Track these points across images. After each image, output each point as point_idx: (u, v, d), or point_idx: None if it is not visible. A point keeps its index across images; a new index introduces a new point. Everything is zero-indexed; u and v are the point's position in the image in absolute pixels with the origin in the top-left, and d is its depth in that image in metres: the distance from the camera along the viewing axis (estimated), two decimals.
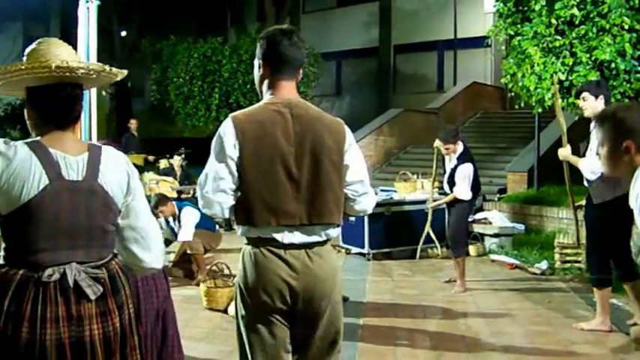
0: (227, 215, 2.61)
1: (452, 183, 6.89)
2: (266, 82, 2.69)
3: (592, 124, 5.08)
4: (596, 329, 5.37)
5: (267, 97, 2.68)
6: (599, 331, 5.34)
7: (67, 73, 2.21)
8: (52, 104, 2.27)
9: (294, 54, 2.65)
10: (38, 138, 2.25)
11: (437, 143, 7.01)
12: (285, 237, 2.54)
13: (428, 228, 6.97)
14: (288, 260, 2.53)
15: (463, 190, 6.79)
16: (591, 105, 5.24)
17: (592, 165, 4.99)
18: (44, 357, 2.08)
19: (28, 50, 2.32)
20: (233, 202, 2.57)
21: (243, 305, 2.61)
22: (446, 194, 7.09)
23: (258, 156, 2.52)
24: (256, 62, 2.73)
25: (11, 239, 2.17)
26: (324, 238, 2.62)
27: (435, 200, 7.60)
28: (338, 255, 2.64)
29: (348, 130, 2.74)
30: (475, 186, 6.90)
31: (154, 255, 2.45)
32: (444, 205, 7.30)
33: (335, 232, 2.67)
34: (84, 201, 2.21)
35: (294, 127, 2.57)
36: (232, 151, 2.53)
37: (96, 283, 2.19)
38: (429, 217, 8.22)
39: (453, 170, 6.85)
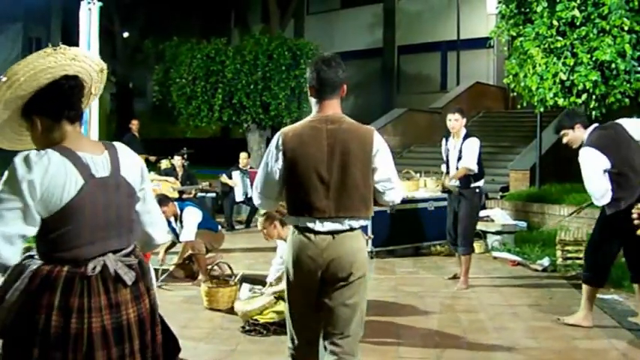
0: (272, 209, 3.37)
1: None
2: (313, 100, 3.26)
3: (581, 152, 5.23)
4: (577, 324, 5.48)
5: (312, 113, 3.26)
6: (581, 326, 5.44)
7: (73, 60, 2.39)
8: (62, 96, 2.36)
9: (333, 77, 3.19)
10: (62, 144, 2.34)
11: (448, 119, 7.06)
12: (317, 226, 3.12)
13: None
14: (317, 242, 3.13)
15: (470, 161, 6.83)
16: (573, 137, 5.39)
17: (597, 191, 5.17)
18: (91, 344, 2.25)
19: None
20: (276, 200, 3.29)
21: (287, 278, 3.26)
22: (449, 191, 7.12)
23: (296, 164, 3.12)
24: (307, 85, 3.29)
25: (50, 238, 2.28)
26: (348, 227, 3.16)
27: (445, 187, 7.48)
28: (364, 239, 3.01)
29: (376, 137, 3.23)
30: (480, 168, 6.97)
31: (162, 233, 2.75)
32: (447, 202, 7.36)
33: (358, 223, 3.20)
34: (113, 195, 2.38)
35: (327, 139, 3.13)
36: (277, 159, 3.15)
37: (130, 270, 2.39)
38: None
39: (461, 150, 6.93)
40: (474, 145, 6.90)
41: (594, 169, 5.12)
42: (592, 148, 5.14)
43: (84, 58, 2.44)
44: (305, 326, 3.27)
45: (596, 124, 5.38)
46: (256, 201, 3.33)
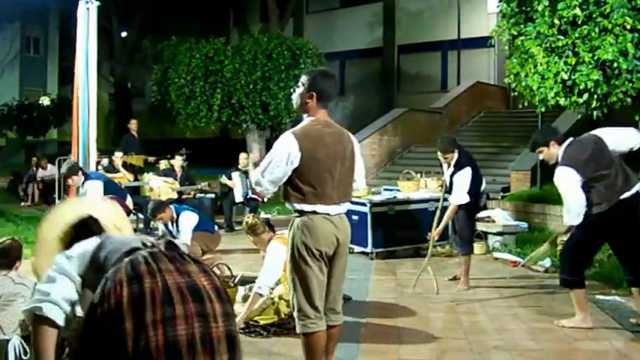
0: (268, 196, 3.84)
1: (452, 189, 6.95)
2: (311, 107, 3.94)
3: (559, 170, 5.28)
4: (577, 327, 5.43)
5: (311, 118, 3.95)
6: (581, 328, 5.40)
7: None
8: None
9: (333, 92, 4.00)
10: None
11: (439, 155, 7.03)
12: (330, 210, 3.90)
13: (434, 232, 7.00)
14: (334, 221, 3.93)
15: (458, 197, 6.82)
16: (549, 154, 5.44)
17: (574, 206, 5.22)
18: (169, 297, 2.21)
19: None
20: (274, 190, 3.95)
21: (307, 253, 3.87)
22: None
23: (312, 162, 3.81)
24: (301, 89, 3.95)
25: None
26: (345, 210, 4.05)
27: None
28: None
29: (354, 138, 4.17)
30: (475, 186, 6.92)
31: None
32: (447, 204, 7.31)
33: (347, 206, 4.08)
34: None
35: (330, 140, 3.91)
36: (292, 158, 3.78)
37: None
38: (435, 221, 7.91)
39: (452, 178, 6.93)
40: (464, 177, 6.83)
41: (571, 186, 5.17)
42: (566, 166, 5.19)
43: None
44: (322, 294, 3.94)
45: (570, 139, 5.40)
46: (262, 189, 3.91)
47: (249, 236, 5.99)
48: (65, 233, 3.11)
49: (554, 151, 5.38)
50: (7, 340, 3.90)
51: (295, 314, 3.96)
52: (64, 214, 3.17)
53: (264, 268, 5.53)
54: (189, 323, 2.18)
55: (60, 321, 2.48)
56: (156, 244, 2.45)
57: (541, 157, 5.56)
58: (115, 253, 2.45)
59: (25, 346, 3.90)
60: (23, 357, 3.87)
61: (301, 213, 3.90)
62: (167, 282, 2.21)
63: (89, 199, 3.37)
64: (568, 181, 5.18)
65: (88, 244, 2.63)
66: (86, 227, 3.03)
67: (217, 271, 6.81)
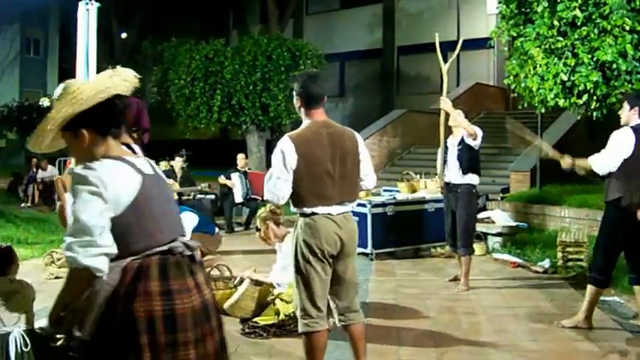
0: (282, 203, 3.99)
1: (462, 158, 6.94)
2: (302, 110, 4.03)
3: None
4: (577, 327, 5.45)
5: (307, 120, 4.02)
6: (582, 329, 5.42)
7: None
8: (114, 115, 2.49)
9: (318, 92, 4.00)
10: (106, 155, 2.44)
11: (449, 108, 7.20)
12: (331, 210, 3.91)
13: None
14: (338, 221, 3.93)
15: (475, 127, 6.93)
16: (625, 114, 5.38)
17: (601, 164, 5.26)
18: (197, 320, 2.45)
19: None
20: (288, 194, 3.90)
21: (309, 253, 3.90)
22: (449, 185, 7.09)
23: (308, 164, 3.86)
24: (294, 95, 4.04)
25: (127, 232, 2.37)
26: (350, 208, 4.06)
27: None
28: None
29: (359, 136, 4.19)
30: (476, 164, 7.01)
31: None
32: (444, 204, 7.32)
33: (353, 205, 4.09)
34: (162, 189, 2.59)
35: (328, 140, 3.93)
36: (290, 161, 3.83)
37: (196, 249, 2.58)
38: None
39: (460, 143, 6.97)
40: (476, 127, 7.04)
41: (616, 147, 5.19)
42: (631, 130, 5.19)
43: (131, 80, 2.57)
44: (324, 294, 3.97)
45: None
46: (274, 196, 3.92)
47: (268, 222, 5.81)
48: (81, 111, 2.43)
49: (631, 116, 5.31)
50: (9, 333, 3.91)
51: (298, 313, 4.01)
52: (97, 85, 2.47)
53: (285, 263, 5.42)
54: (205, 342, 2.46)
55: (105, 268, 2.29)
56: (182, 246, 2.49)
57: (621, 111, 5.47)
58: (145, 237, 2.39)
59: (26, 338, 3.91)
60: (24, 349, 3.88)
61: (303, 214, 3.95)
62: (194, 303, 2.42)
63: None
64: (619, 142, 5.19)
65: (124, 189, 2.35)
66: (110, 109, 2.48)
67: (217, 272, 6.83)
